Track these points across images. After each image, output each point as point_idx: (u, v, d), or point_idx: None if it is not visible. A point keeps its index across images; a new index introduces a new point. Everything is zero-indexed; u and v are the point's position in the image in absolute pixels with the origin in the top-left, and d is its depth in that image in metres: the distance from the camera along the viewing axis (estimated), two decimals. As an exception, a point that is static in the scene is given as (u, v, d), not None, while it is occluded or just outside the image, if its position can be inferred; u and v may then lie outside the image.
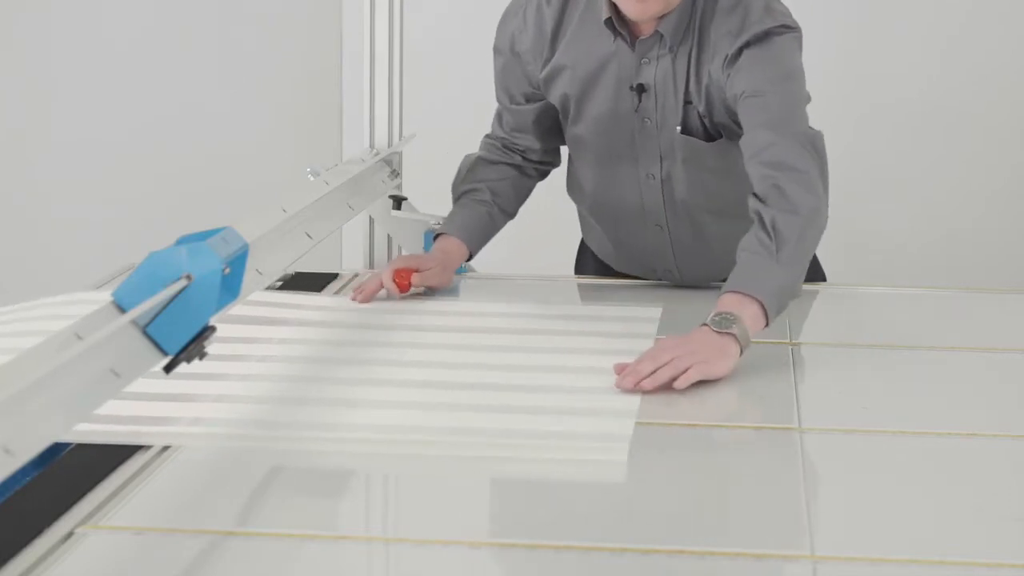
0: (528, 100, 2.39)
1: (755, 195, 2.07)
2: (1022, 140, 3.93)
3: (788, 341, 2.13)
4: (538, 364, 1.97)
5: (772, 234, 2.01)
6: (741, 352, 1.93)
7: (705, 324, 1.93)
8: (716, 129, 2.25)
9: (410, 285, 2.28)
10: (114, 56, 4.11)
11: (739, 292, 1.97)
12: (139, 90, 4.12)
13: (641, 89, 2.26)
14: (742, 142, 2.14)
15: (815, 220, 2.05)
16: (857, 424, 1.77)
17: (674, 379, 1.86)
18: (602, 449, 1.65)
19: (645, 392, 1.84)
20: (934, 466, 1.66)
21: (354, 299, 2.28)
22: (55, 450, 1.57)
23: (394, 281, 2.27)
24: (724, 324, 1.92)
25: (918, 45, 3.93)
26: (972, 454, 1.69)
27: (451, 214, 2.43)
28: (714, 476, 1.64)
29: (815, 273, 2.55)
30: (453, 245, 2.37)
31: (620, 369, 1.88)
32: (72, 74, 4.13)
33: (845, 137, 3.84)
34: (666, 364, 1.86)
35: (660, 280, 2.47)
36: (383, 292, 2.29)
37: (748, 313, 1.95)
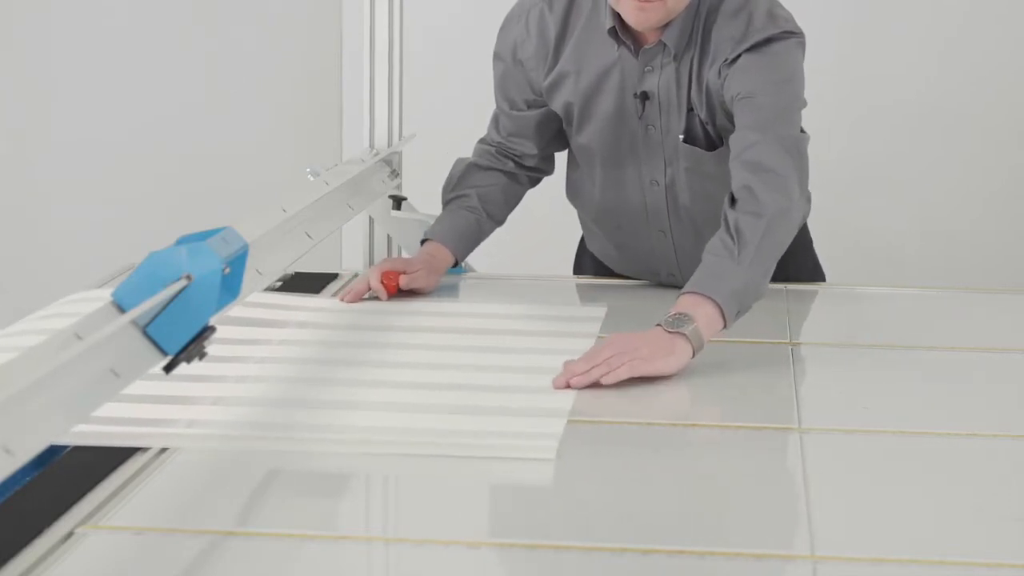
0: (529, 106, 2.39)
1: (730, 195, 2.08)
2: (1020, 141, 3.93)
3: (788, 341, 2.13)
4: (479, 363, 1.98)
5: (735, 236, 2.02)
6: (694, 353, 1.93)
7: (659, 324, 1.94)
8: (718, 135, 2.25)
9: (397, 287, 2.29)
10: (114, 56, 4.11)
11: (696, 293, 1.98)
12: (139, 90, 4.12)
13: (645, 97, 2.25)
14: (730, 141, 2.15)
15: (781, 222, 2.05)
16: (857, 424, 1.77)
17: (604, 375, 1.88)
18: (531, 448, 1.66)
19: (576, 388, 1.86)
20: (934, 466, 1.66)
21: (341, 299, 2.29)
22: (55, 450, 1.57)
23: (382, 283, 2.28)
24: (676, 324, 1.93)
25: (916, 47, 3.93)
26: (972, 454, 1.69)
27: (438, 220, 2.43)
28: (714, 476, 1.64)
29: (815, 273, 2.55)
30: (439, 250, 2.38)
31: (567, 364, 1.91)
32: (72, 74, 4.13)
33: (843, 138, 3.84)
34: (601, 363, 1.88)
35: (662, 283, 2.47)
36: (370, 293, 2.30)
37: (703, 313, 1.95)
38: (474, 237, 2.43)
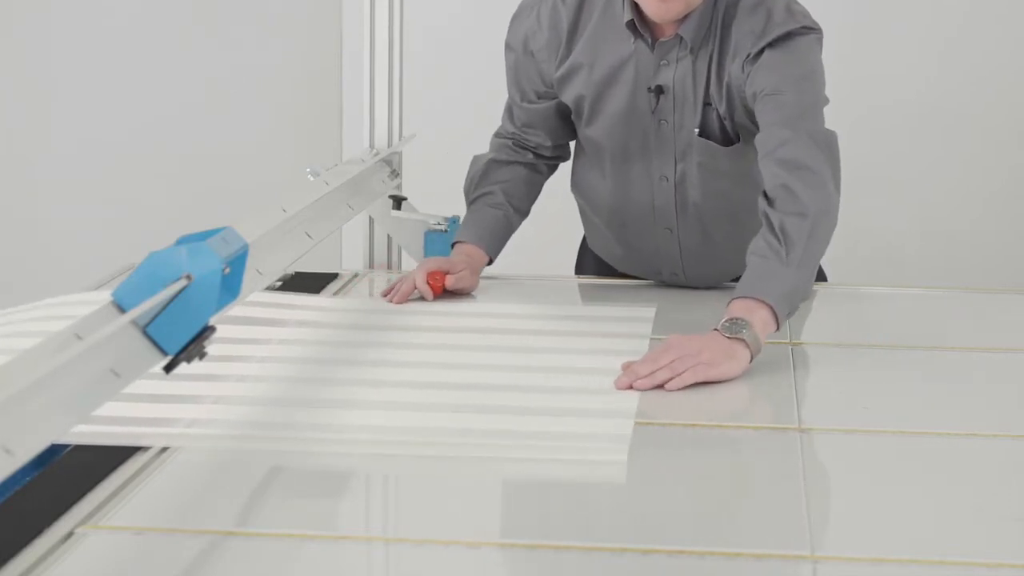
0: (540, 98, 2.39)
1: (765, 195, 2.08)
2: (1020, 141, 3.93)
3: (788, 341, 2.13)
4: (534, 365, 1.97)
5: (780, 237, 2.02)
6: (752, 358, 1.94)
7: (716, 329, 1.94)
8: (735, 131, 2.25)
9: (443, 288, 2.29)
10: (114, 56, 4.11)
11: (749, 297, 1.98)
12: (139, 90, 4.12)
13: (659, 91, 2.25)
14: (757, 139, 2.15)
15: (823, 221, 2.07)
16: (857, 424, 1.77)
17: (669, 380, 1.87)
18: (602, 450, 1.65)
19: (640, 391, 1.86)
20: (934, 466, 1.66)
21: (389, 300, 2.28)
22: (55, 450, 1.57)
23: (428, 283, 2.28)
24: (735, 329, 1.93)
25: (916, 47, 3.93)
26: (972, 454, 1.69)
27: (466, 221, 2.42)
28: (714, 476, 1.64)
29: (816, 273, 2.55)
30: (474, 251, 2.37)
31: (626, 366, 1.90)
32: (72, 74, 4.13)
33: (843, 138, 3.82)
34: (665, 366, 1.87)
35: (665, 282, 2.47)
36: (416, 293, 2.29)
37: (758, 318, 1.96)
38: (504, 234, 2.42)
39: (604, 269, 2.58)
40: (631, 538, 1.42)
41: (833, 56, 3.80)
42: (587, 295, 2.50)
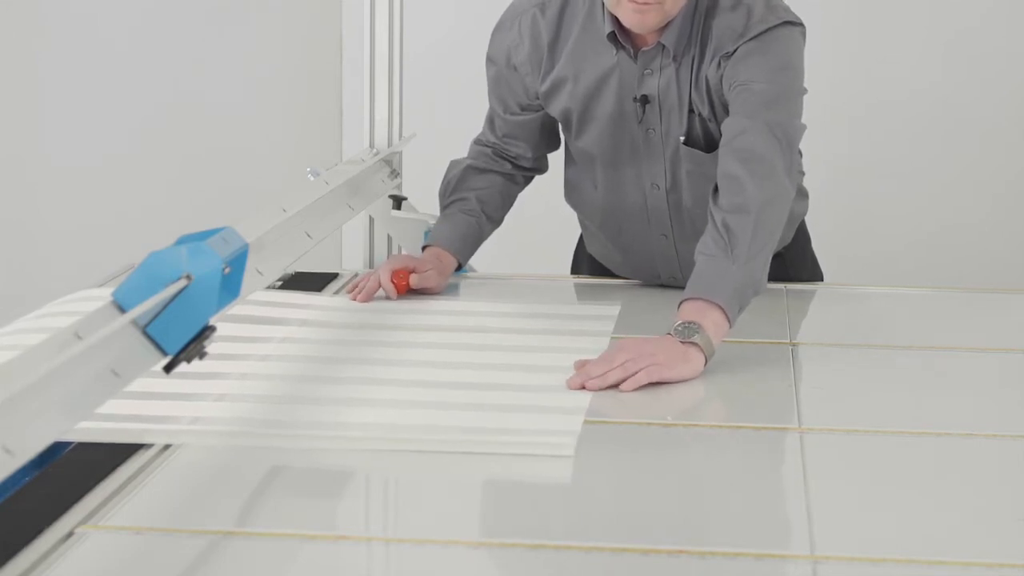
0: (523, 110, 2.38)
1: (714, 188, 2.08)
2: (1022, 141, 3.93)
3: (788, 341, 2.13)
4: (492, 362, 1.98)
5: (724, 234, 2.02)
6: (707, 360, 1.94)
7: (668, 334, 1.94)
8: (720, 133, 2.25)
9: (408, 286, 2.29)
10: (113, 56, 4.11)
11: (699, 299, 1.98)
12: (139, 90, 4.12)
13: (645, 100, 2.25)
14: (722, 126, 2.15)
15: (769, 212, 2.05)
16: (857, 424, 1.77)
17: (623, 381, 1.87)
18: (549, 445, 1.66)
19: (592, 391, 1.86)
20: (934, 466, 1.66)
21: (353, 298, 2.28)
22: (55, 450, 1.57)
23: (392, 281, 2.28)
24: (687, 333, 1.94)
25: (919, 45, 3.92)
26: (972, 454, 1.69)
27: (438, 225, 2.43)
28: (714, 476, 1.64)
29: (813, 273, 2.55)
30: (443, 255, 2.38)
31: (580, 365, 1.91)
32: (71, 75, 4.12)
33: (843, 138, 3.84)
34: (618, 367, 1.87)
35: (665, 285, 2.46)
36: (381, 291, 2.30)
37: (710, 320, 1.96)
38: (475, 240, 2.43)
39: (599, 270, 2.57)
40: (631, 538, 1.42)
41: (834, 54, 3.83)
42: (577, 295, 2.50)
